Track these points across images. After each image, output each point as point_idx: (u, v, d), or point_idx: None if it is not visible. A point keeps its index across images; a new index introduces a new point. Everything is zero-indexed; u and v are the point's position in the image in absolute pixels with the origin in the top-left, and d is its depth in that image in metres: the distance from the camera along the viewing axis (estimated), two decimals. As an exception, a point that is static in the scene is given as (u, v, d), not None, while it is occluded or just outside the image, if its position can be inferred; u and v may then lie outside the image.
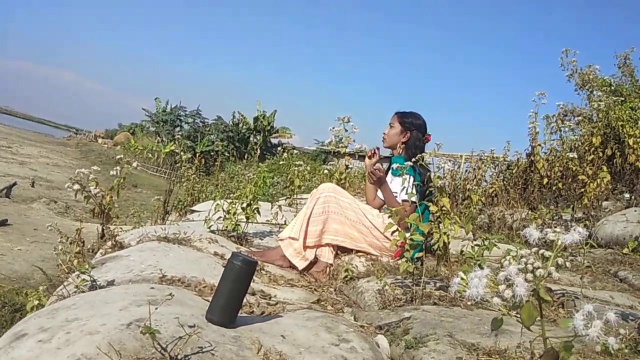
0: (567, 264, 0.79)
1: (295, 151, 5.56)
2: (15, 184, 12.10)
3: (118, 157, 3.03)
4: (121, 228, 3.58)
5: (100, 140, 37.00)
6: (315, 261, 2.93)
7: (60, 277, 3.09)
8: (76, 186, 2.57)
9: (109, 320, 1.45)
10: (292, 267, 2.84)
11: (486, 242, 2.20)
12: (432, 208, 2.24)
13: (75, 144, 36.13)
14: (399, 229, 2.29)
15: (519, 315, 0.73)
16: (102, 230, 2.83)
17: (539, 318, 0.75)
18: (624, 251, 3.44)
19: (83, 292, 1.87)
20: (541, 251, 0.76)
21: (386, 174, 3.07)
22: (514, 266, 0.73)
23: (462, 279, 0.82)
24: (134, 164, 3.01)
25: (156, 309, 1.41)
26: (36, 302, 2.17)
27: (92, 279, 1.90)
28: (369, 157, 3.24)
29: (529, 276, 0.72)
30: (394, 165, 2.73)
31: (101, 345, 1.31)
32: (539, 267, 0.73)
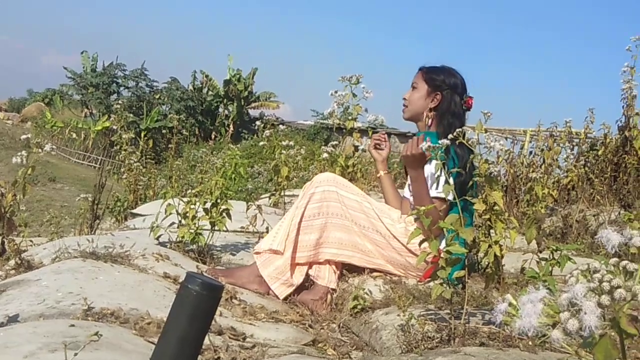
0: (661, 282, 0.79)
1: (282, 127, 5.53)
2: None
3: (23, 137, 3.02)
4: (31, 241, 3.59)
5: (1, 115, 37.07)
6: (309, 284, 2.95)
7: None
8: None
9: (7, 374, 1.46)
10: (273, 293, 2.85)
11: (557, 256, 2.20)
12: (478, 207, 2.24)
13: (-35, 121, 36.19)
14: (430, 237, 2.28)
15: (591, 356, 0.72)
16: (2, 243, 2.83)
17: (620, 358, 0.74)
18: None
19: (-27, 332, 1.88)
20: (623, 263, 0.76)
21: (407, 160, 3.05)
22: (581, 285, 0.73)
23: (510, 304, 0.82)
24: (47, 147, 3.00)
25: (75, 354, 1.42)
26: None
27: (-15, 313, 1.91)
28: (375, 148, 3.25)
29: (605, 299, 0.72)
30: (423, 144, 2.72)
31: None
32: (619, 286, 0.73)
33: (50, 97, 33.76)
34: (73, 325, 1.85)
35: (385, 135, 3.26)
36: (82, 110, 29.94)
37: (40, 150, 2.90)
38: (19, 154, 2.83)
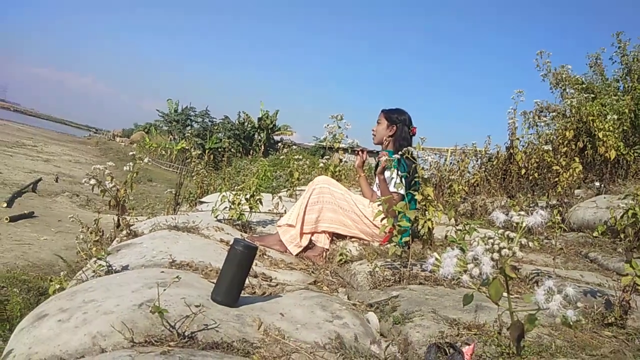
0: (530, 243, 0.79)
1: (294, 147, 5.54)
2: (40, 179, 12.09)
3: (131, 153, 3.02)
4: (137, 219, 3.58)
5: (118, 139, 36.95)
6: (311, 246, 2.94)
7: (79, 264, 3.10)
8: (93, 181, 2.57)
9: (122, 301, 1.46)
10: (289, 251, 2.84)
11: (467, 227, 2.20)
12: (418, 197, 2.24)
13: (95, 143, 36.08)
14: (388, 216, 2.28)
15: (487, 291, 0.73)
16: (118, 220, 2.83)
17: (506, 294, 0.75)
18: (594, 235, 3.43)
19: (100, 276, 1.88)
20: (507, 232, 0.77)
21: (376, 168, 3.06)
22: (481, 247, 0.73)
23: (436, 259, 0.82)
24: (145, 160, 3.00)
25: (164, 290, 1.42)
26: (57, 286, 2.17)
27: (108, 264, 1.91)
28: (356, 155, 3.25)
29: (495, 255, 0.72)
30: (383, 158, 2.73)
31: (115, 324, 1.31)
32: (504, 247, 0.73)
33: (148, 128, 33.61)
34: (163, 272, 1.85)
35: (362, 150, 3.25)
36: (169, 137, 29.82)
37: (141, 161, 2.89)
38: (128, 164, 2.83)
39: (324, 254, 2.90)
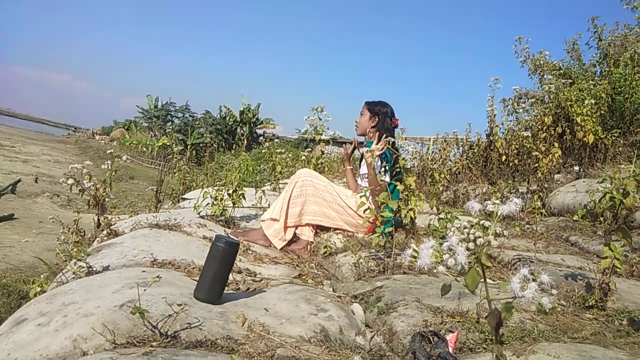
0: (506, 231, 0.80)
1: (276, 140, 5.50)
2: (19, 180, 11.87)
3: (109, 151, 2.97)
4: (119, 217, 3.53)
5: (97, 137, 36.39)
6: (296, 239, 2.93)
7: (60, 266, 3.05)
8: (70, 180, 2.53)
9: (102, 302, 1.44)
10: (273, 246, 2.84)
11: (449, 216, 2.22)
12: (400, 187, 2.24)
13: (74, 141, 35.51)
14: (371, 207, 2.29)
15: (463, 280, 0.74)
16: (98, 220, 2.78)
17: (483, 282, 0.76)
18: (574, 218, 3.49)
19: (80, 277, 1.85)
20: (482, 221, 0.77)
21: (361, 159, 3.07)
22: (455, 237, 0.73)
23: (414, 250, 0.83)
24: (124, 157, 2.96)
25: (145, 290, 1.40)
26: (38, 289, 2.13)
27: (88, 265, 1.88)
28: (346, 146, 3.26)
29: (471, 245, 0.73)
30: (366, 149, 2.73)
31: (96, 326, 1.29)
32: (479, 237, 0.74)
33: (128, 125, 33.16)
34: (144, 271, 1.83)
35: (355, 142, 3.25)
36: (149, 133, 29.45)
37: (120, 159, 2.85)
38: (106, 162, 2.78)
39: (309, 246, 2.89)
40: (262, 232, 2.87)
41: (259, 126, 29.45)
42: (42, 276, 2.27)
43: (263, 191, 3.75)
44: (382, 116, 3.07)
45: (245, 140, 27.07)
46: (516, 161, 4.65)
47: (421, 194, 2.23)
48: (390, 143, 2.43)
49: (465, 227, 0.75)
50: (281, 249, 2.83)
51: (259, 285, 1.99)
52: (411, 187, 2.21)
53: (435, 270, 1.99)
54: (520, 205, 0.74)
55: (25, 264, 5.94)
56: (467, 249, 0.72)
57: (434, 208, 2.33)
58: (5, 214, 8.18)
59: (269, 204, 3.66)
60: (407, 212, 2.16)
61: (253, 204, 3.90)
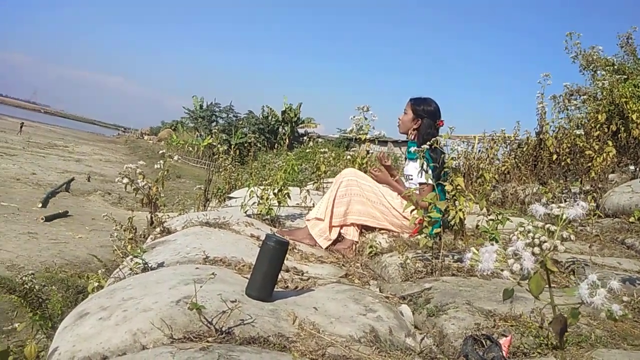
0: (572, 237, 0.77)
1: (320, 140, 5.50)
2: (73, 179, 12.44)
3: (161, 151, 3.07)
4: (168, 215, 3.64)
5: (146, 137, 37.63)
6: (341, 239, 2.94)
7: (115, 261, 3.18)
8: (125, 180, 2.63)
9: (160, 298, 1.49)
10: (319, 245, 2.85)
11: (499, 217, 2.17)
12: (448, 187, 2.21)
13: (124, 141, 36.87)
14: (417, 207, 2.27)
15: (528, 285, 0.72)
16: (151, 218, 2.89)
17: (547, 287, 0.74)
18: (630, 220, 3.35)
19: (137, 273, 1.92)
20: (547, 225, 0.75)
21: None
22: (521, 241, 0.72)
23: (474, 253, 0.82)
24: (175, 157, 3.06)
25: (201, 286, 1.45)
26: (96, 284, 2.24)
27: (144, 261, 1.95)
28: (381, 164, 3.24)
29: (536, 250, 0.71)
30: (411, 149, 2.71)
31: (154, 321, 1.34)
32: (545, 241, 0.72)
33: (175, 125, 34.16)
34: (197, 268, 1.88)
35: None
36: (195, 133, 30.21)
37: (171, 159, 2.94)
38: (159, 162, 2.88)
39: (354, 246, 2.90)
40: (307, 232, 2.90)
41: (300, 125, 29.63)
42: (99, 272, 2.38)
43: (307, 191, 3.78)
44: (425, 119, 3.00)
45: (287, 140, 27.28)
46: (568, 160, 4.50)
47: (470, 195, 2.18)
48: (437, 142, 2.40)
49: (530, 232, 0.74)
50: (326, 248, 2.84)
51: (306, 284, 2.01)
52: (460, 187, 2.17)
53: (487, 273, 1.96)
54: (586, 208, 0.72)
55: (79, 260, 6.23)
56: (533, 253, 0.70)
57: (484, 209, 2.28)
58: (60, 211, 8.59)
59: (313, 204, 3.68)
60: (456, 213, 2.12)
61: (297, 203, 3.94)
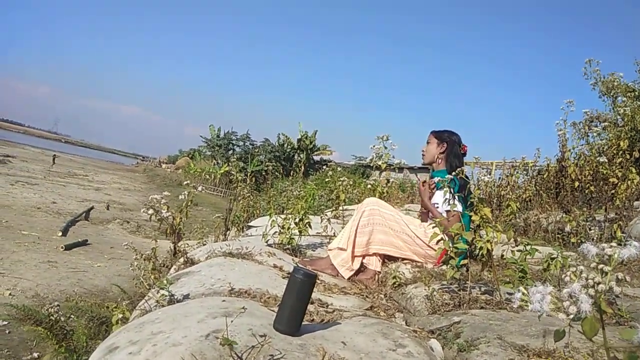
0: (627, 277, 0.76)
1: (339, 169, 5.50)
2: (92, 208, 12.60)
3: (185, 182, 3.10)
4: (187, 243, 3.66)
5: (163, 165, 38.14)
6: (363, 269, 2.92)
7: (136, 291, 3.18)
8: (150, 211, 2.66)
9: (189, 332, 1.48)
10: (341, 275, 2.83)
11: (528, 248, 2.13)
12: (474, 218, 2.19)
13: (143, 170, 37.38)
14: (444, 238, 2.24)
15: (580, 327, 0.70)
16: (174, 248, 2.90)
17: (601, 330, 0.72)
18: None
19: (163, 306, 1.92)
20: (600, 266, 0.74)
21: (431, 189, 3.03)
22: (578, 283, 0.70)
23: (523, 294, 0.80)
24: (200, 188, 3.09)
25: (232, 321, 1.43)
26: (120, 316, 2.24)
27: (170, 293, 1.95)
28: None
29: (591, 291, 0.69)
30: (436, 179, 2.71)
31: (185, 356, 1.33)
32: (599, 283, 0.70)
33: (192, 154, 34.61)
34: (224, 301, 1.87)
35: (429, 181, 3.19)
36: (212, 161, 30.55)
37: (195, 190, 2.97)
38: (183, 192, 2.90)
39: (376, 276, 2.87)
40: (329, 261, 2.88)
41: (315, 153, 29.78)
42: (123, 303, 2.38)
43: (328, 219, 3.77)
44: (450, 142, 3.03)
45: (303, 167, 27.39)
46: (591, 188, 4.43)
47: (497, 225, 2.15)
48: (463, 172, 2.39)
49: (582, 273, 0.72)
50: (348, 278, 2.82)
51: (332, 316, 1.98)
52: (487, 218, 2.14)
53: (516, 306, 1.91)
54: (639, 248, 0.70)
55: (97, 288, 6.25)
56: (589, 295, 0.69)
57: (511, 239, 2.25)
58: (79, 239, 8.68)
59: (334, 233, 3.67)
60: (485, 244, 2.09)
61: (318, 232, 3.93)
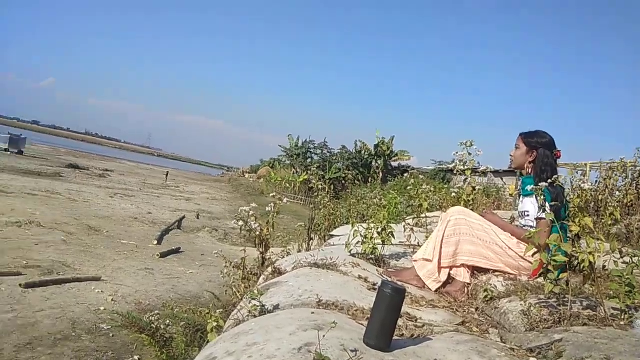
0: None
1: (421, 176, 5.36)
2: (184, 217, 13.33)
3: (272, 194, 3.18)
4: (272, 252, 3.75)
5: (246, 175, 39.58)
6: (451, 281, 2.81)
7: (228, 300, 3.30)
8: (240, 222, 2.75)
9: (282, 344, 1.50)
10: (427, 287, 2.75)
11: (635, 260, 1.95)
12: (574, 228, 2.03)
13: (228, 180, 39.08)
14: (540, 250, 2.10)
15: None
16: (262, 257, 2.98)
17: None
18: None
19: (255, 316, 1.97)
20: None
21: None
22: None
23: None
24: (285, 200, 3.15)
25: (324, 336, 1.43)
26: (215, 324, 2.33)
27: (261, 304, 2.00)
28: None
29: None
30: (528, 187, 2.55)
31: (279, 369, 1.35)
32: None
33: (272, 163, 35.62)
34: (313, 313, 1.88)
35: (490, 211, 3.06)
36: (291, 170, 31.23)
37: (281, 201, 3.03)
38: (270, 204, 2.98)
39: (465, 289, 2.75)
40: (414, 273, 2.81)
41: (393, 159, 29.43)
42: (217, 312, 2.47)
43: (412, 229, 3.68)
44: (541, 149, 2.83)
45: (381, 173, 27.18)
46: None
47: (601, 236, 1.99)
48: (557, 180, 2.23)
49: None
50: (435, 290, 2.73)
51: (422, 331, 1.93)
52: (588, 228, 1.98)
53: (629, 321, 1.74)
54: None
55: (190, 294, 6.58)
56: None
57: (616, 250, 2.06)
58: (173, 247, 9.20)
59: (418, 242, 3.58)
60: (587, 255, 1.94)
61: (401, 242, 3.85)
